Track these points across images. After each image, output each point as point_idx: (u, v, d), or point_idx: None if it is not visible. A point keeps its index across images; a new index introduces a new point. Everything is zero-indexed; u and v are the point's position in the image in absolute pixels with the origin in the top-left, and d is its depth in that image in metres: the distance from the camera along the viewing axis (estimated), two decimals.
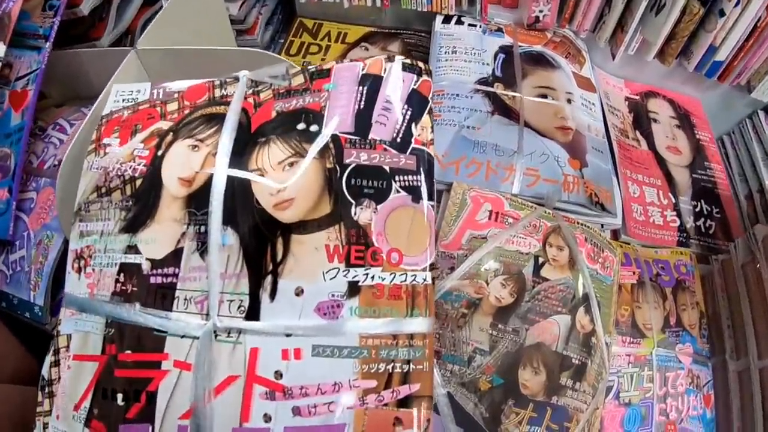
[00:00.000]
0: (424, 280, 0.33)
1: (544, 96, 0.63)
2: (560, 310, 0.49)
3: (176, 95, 0.42)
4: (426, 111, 0.37)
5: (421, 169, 0.35)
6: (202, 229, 0.35)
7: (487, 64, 0.64)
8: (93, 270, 0.38)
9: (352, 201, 0.34)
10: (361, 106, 0.37)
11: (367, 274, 0.33)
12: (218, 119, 0.38)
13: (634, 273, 0.61)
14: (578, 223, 0.55)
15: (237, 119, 0.38)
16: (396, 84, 0.37)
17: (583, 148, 0.60)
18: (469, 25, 0.68)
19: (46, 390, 0.37)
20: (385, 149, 0.36)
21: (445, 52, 0.64)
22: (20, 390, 0.45)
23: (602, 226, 0.60)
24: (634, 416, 0.55)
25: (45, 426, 0.37)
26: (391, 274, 0.33)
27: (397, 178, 0.35)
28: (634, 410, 0.55)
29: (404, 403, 0.31)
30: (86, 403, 0.35)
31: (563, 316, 0.49)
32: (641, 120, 0.76)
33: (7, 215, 0.48)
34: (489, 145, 0.56)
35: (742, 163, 0.81)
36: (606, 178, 0.60)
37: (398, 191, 0.35)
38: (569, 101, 0.63)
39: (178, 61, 0.50)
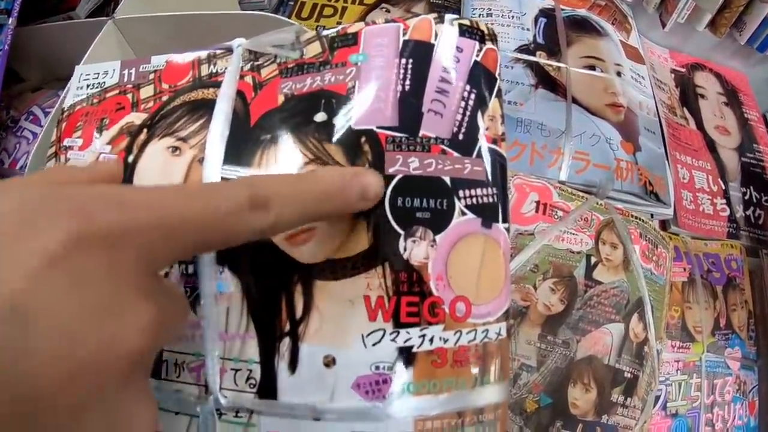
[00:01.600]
0: (498, 334, 0.24)
1: (592, 67, 0.55)
2: (614, 318, 0.44)
3: (151, 76, 0.31)
4: (494, 93, 0.26)
5: (494, 178, 0.25)
6: (190, 269, 0.26)
7: (527, 29, 0.55)
8: None
9: (401, 231, 0.24)
10: (407, 88, 0.26)
11: (423, 336, 0.23)
12: (206, 108, 0.28)
13: (684, 269, 0.55)
14: (632, 215, 0.48)
15: (231, 108, 0.28)
16: (452, 54, 0.26)
17: (636, 129, 0.53)
18: None
19: None
20: (444, 151, 0.25)
21: (480, 15, 0.55)
22: None
23: (651, 216, 0.54)
24: (681, 427, 0.50)
25: None
26: (456, 333, 0.23)
27: (461, 193, 0.25)
28: (681, 421, 0.50)
29: None
30: None
31: (617, 324, 0.44)
32: (688, 96, 0.69)
33: None
34: (534, 123, 0.49)
35: None
36: (660, 163, 0.53)
37: (464, 212, 0.24)
38: (619, 74, 0.56)
39: (165, 31, 0.41)
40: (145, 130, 0.29)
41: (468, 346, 0.24)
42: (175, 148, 0.28)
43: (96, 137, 0.30)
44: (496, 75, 0.27)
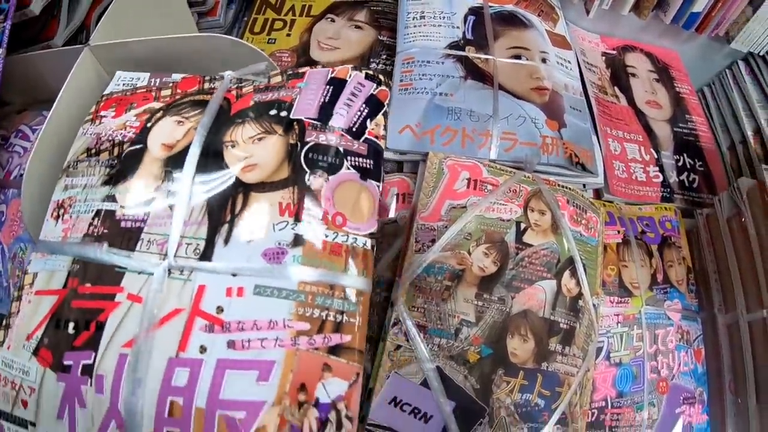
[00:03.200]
0: (365, 244, 0.39)
1: (518, 57, 0.63)
2: (545, 275, 0.51)
3: (171, 84, 0.49)
4: (381, 113, 0.46)
5: (371, 155, 0.43)
6: (174, 185, 0.41)
7: (457, 27, 0.63)
8: (70, 217, 0.43)
9: (307, 170, 0.40)
10: (326, 100, 0.45)
11: (311, 229, 0.38)
12: (204, 104, 0.45)
13: (618, 232, 0.62)
14: (559, 185, 0.56)
15: (218, 104, 0.45)
16: (357, 88, 0.46)
17: (561, 108, 0.61)
18: None
19: (3, 323, 0.41)
20: (342, 135, 0.43)
21: (413, 18, 0.63)
22: None
23: (584, 186, 0.61)
24: (626, 376, 0.57)
25: None
26: (333, 233, 0.39)
27: (349, 158, 0.42)
28: (626, 369, 0.57)
29: (334, 351, 0.36)
30: (38, 333, 0.39)
31: (549, 281, 0.51)
32: (619, 75, 0.77)
33: None
34: (463, 111, 0.56)
35: (723, 114, 0.83)
36: (586, 137, 0.61)
37: (349, 168, 0.41)
38: (544, 60, 0.64)
39: (136, 53, 0.50)
40: (161, 111, 0.46)
41: (341, 243, 0.38)
42: (180, 121, 0.45)
43: (126, 112, 0.47)
44: (384, 103, 0.47)
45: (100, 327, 0.37)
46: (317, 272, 0.37)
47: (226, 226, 0.39)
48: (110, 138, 0.45)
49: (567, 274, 0.52)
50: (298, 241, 0.37)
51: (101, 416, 0.35)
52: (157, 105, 0.47)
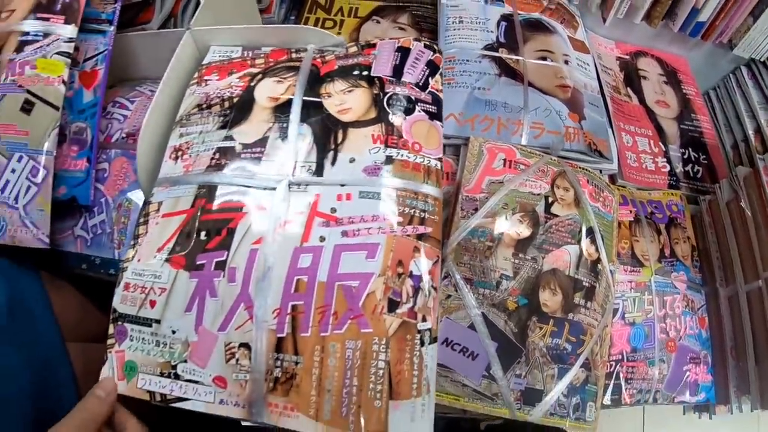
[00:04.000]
0: (436, 164, 0.50)
1: (544, 58, 0.74)
2: (569, 241, 0.61)
3: (262, 54, 0.60)
4: (438, 73, 0.57)
5: (435, 102, 0.55)
6: (284, 125, 0.52)
7: (491, 31, 0.74)
8: (190, 156, 0.52)
9: (389, 111, 0.52)
10: (397, 63, 0.56)
11: (398, 153, 0.50)
12: (296, 69, 0.57)
13: (630, 212, 0.72)
14: (580, 167, 0.66)
15: (309, 66, 0.57)
16: (419, 54, 0.57)
17: (581, 103, 0.71)
18: None
19: (131, 243, 0.50)
20: (412, 88, 0.55)
21: (453, 22, 0.74)
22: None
23: (601, 171, 0.72)
24: (639, 334, 0.67)
25: (123, 270, 0.49)
26: (413, 155, 0.50)
27: (419, 104, 0.54)
28: (639, 329, 0.67)
29: (421, 238, 0.46)
30: (169, 245, 0.48)
31: (572, 245, 0.61)
32: (631, 77, 0.88)
33: (88, 182, 0.58)
34: (498, 103, 0.67)
35: (727, 115, 0.93)
36: (602, 129, 0.71)
37: (419, 111, 0.53)
38: (566, 62, 0.75)
39: (228, 39, 0.61)
40: (260, 74, 0.57)
41: (419, 163, 0.50)
42: (279, 81, 0.56)
43: (228, 75, 0.58)
44: (440, 66, 0.57)
45: (231, 232, 0.47)
46: (404, 182, 0.48)
47: (331, 152, 0.50)
48: (219, 95, 0.56)
49: (587, 241, 0.62)
50: (388, 160, 0.49)
51: (231, 302, 0.44)
52: (254, 70, 0.58)
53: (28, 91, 0.55)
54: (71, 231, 0.60)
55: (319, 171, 0.49)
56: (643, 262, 0.70)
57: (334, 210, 0.47)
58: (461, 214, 0.59)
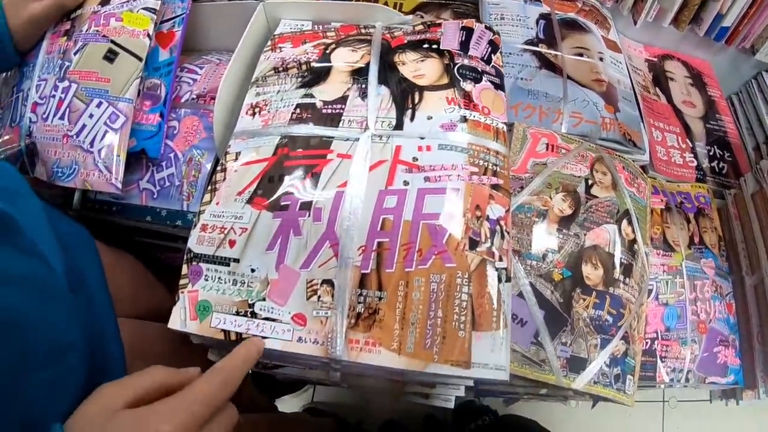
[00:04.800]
0: (503, 127, 0.56)
1: (581, 55, 0.79)
2: (608, 220, 0.65)
3: (333, 28, 0.66)
4: (498, 51, 0.63)
5: (498, 75, 0.61)
6: (363, 86, 0.57)
7: (531, 28, 0.80)
8: (268, 111, 0.57)
9: (461, 79, 0.58)
10: (463, 39, 0.62)
11: (471, 114, 0.55)
12: (367, 42, 0.62)
13: (661, 200, 0.77)
14: (617, 154, 0.71)
15: (380, 39, 0.62)
16: (482, 33, 0.64)
17: (615, 97, 0.77)
18: None
19: (209, 188, 0.53)
20: (479, 61, 0.61)
21: (495, 19, 0.80)
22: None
23: (633, 161, 0.76)
24: (672, 315, 0.72)
25: (201, 213, 0.52)
26: (483, 117, 0.56)
27: (485, 75, 0.60)
28: (672, 310, 0.72)
29: (494, 187, 0.51)
30: (251, 188, 0.52)
31: (611, 225, 0.65)
32: (659, 79, 0.93)
33: (159, 136, 0.62)
34: (540, 93, 0.72)
35: (749, 118, 0.99)
36: (635, 121, 0.77)
37: (486, 81, 0.59)
38: (601, 59, 0.80)
39: (298, 13, 0.67)
40: (333, 44, 0.63)
41: (489, 124, 0.56)
42: (353, 50, 0.61)
43: (302, 45, 0.63)
44: (499, 45, 0.64)
45: (316, 176, 0.51)
46: (478, 138, 0.53)
47: (410, 111, 0.55)
48: (295, 59, 0.61)
49: (625, 222, 0.67)
50: (463, 119, 0.54)
51: (316, 240, 0.47)
52: (327, 41, 0.64)
53: (113, 42, 0.60)
54: (137, 184, 0.64)
55: (399, 125, 0.54)
56: (674, 248, 0.75)
57: (415, 159, 0.51)
58: None
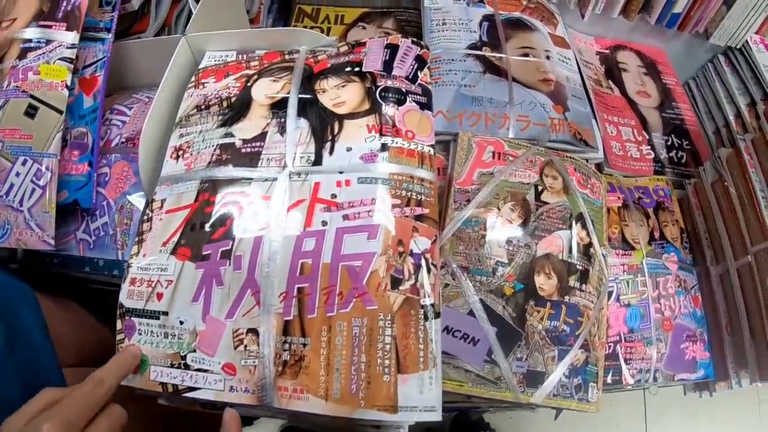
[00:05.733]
0: (429, 150, 0.55)
1: (526, 55, 0.78)
2: (561, 226, 0.64)
3: (257, 57, 0.65)
4: (426, 67, 0.61)
5: (425, 93, 0.59)
6: (282, 119, 0.56)
7: (474, 31, 0.79)
8: (191, 154, 0.56)
9: (383, 103, 0.56)
10: (387, 58, 0.61)
11: (393, 140, 0.54)
12: (289, 68, 0.61)
13: (618, 198, 0.76)
14: (567, 156, 0.70)
15: (303, 66, 0.61)
16: (407, 49, 0.62)
17: (564, 96, 0.76)
18: None
19: (136, 239, 0.53)
20: (402, 80, 0.59)
21: (437, 25, 0.78)
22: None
23: (587, 160, 0.75)
24: (635, 315, 0.71)
25: (129, 266, 0.52)
26: (407, 142, 0.54)
27: (409, 95, 0.58)
28: (634, 310, 0.71)
29: (419, 218, 0.50)
30: (175, 238, 0.51)
31: (564, 231, 0.64)
32: (612, 70, 0.92)
33: (90, 186, 0.61)
34: (485, 99, 0.71)
35: (707, 102, 0.98)
36: (586, 119, 0.75)
37: (411, 102, 0.57)
38: (548, 57, 0.79)
39: (223, 44, 0.65)
40: (256, 75, 0.61)
41: (414, 149, 0.54)
42: (275, 80, 0.60)
43: (225, 78, 0.62)
44: (427, 60, 0.62)
45: (235, 221, 0.50)
46: (400, 167, 0.52)
47: (329, 143, 0.54)
48: (217, 96, 0.60)
49: (578, 226, 0.66)
50: (384, 147, 0.53)
51: (238, 288, 0.47)
52: (250, 72, 0.63)
53: (32, 96, 0.59)
54: (74, 235, 0.63)
55: (318, 161, 0.53)
56: (633, 246, 0.74)
57: (334, 196, 0.50)
58: (454, 206, 0.63)
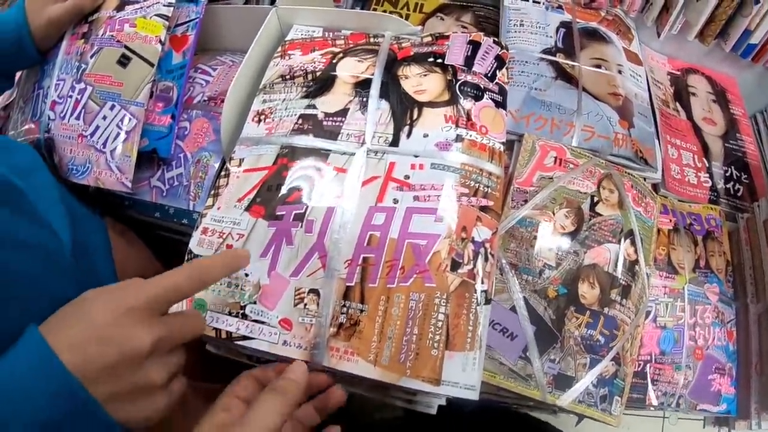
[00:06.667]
0: (500, 147, 0.57)
1: (599, 66, 0.79)
2: (611, 239, 0.66)
3: (342, 36, 0.67)
4: (505, 67, 0.63)
5: (501, 92, 0.61)
6: (365, 99, 0.59)
7: (550, 36, 0.80)
8: (273, 120, 0.59)
9: (461, 96, 0.58)
10: (469, 54, 0.62)
11: (467, 133, 0.56)
12: (374, 51, 0.64)
13: (670, 221, 0.77)
14: (626, 172, 0.71)
15: (387, 50, 0.64)
16: (488, 48, 0.64)
17: (631, 112, 0.76)
18: (534, 1, 0.84)
19: (212, 192, 0.56)
20: (482, 77, 0.61)
21: (514, 25, 0.80)
22: None
23: (645, 179, 0.76)
24: (669, 338, 0.72)
25: (203, 215, 0.55)
26: (480, 137, 0.56)
27: (487, 92, 0.60)
28: (669, 333, 0.72)
29: (483, 209, 0.52)
30: (251, 196, 0.54)
31: (613, 244, 0.66)
32: (681, 93, 0.92)
33: (170, 137, 0.65)
34: (553, 104, 0.72)
35: None
36: (649, 138, 0.76)
37: (488, 99, 0.59)
38: (620, 72, 0.80)
39: (311, 20, 0.68)
40: (341, 53, 0.64)
41: (486, 144, 0.56)
42: (360, 60, 0.63)
43: (311, 52, 0.65)
44: (506, 61, 0.64)
45: (311, 188, 0.53)
46: (472, 158, 0.54)
47: (407, 127, 0.56)
48: (302, 68, 0.62)
49: (627, 242, 0.67)
50: (458, 138, 0.55)
51: (306, 250, 0.50)
52: (336, 49, 0.65)
53: (126, 47, 0.63)
54: (148, 181, 0.67)
55: (395, 142, 0.56)
56: (678, 270, 0.75)
57: (407, 177, 0.53)
58: (511, 204, 0.64)
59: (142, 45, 0.63)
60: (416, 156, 0.54)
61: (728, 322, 0.78)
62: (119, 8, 0.64)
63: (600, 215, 0.66)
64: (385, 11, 0.87)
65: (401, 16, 0.86)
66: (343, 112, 0.58)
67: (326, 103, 0.59)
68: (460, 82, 0.59)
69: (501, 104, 0.60)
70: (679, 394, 0.72)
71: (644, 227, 0.70)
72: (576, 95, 0.74)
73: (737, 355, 0.78)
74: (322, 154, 0.55)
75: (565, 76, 0.76)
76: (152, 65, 0.63)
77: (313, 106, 0.59)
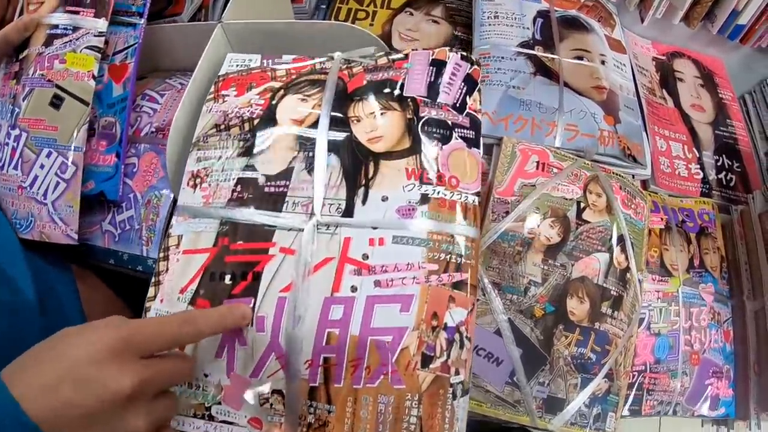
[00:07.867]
0: (474, 201, 0.49)
1: (580, 58, 0.74)
2: (600, 248, 0.62)
3: (284, 65, 0.58)
4: (476, 90, 0.54)
5: (473, 126, 0.52)
6: (311, 154, 0.50)
7: (527, 28, 0.74)
8: (209, 185, 0.51)
9: (425, 140, 0.50)
10: (432, 79, 0.53)
11: (434, 190, 0.48)
12: (321, 83, 0.54)
13: (662, 219, 0.73)
14: (613, 172, 0.67)
15: (335, 81, 0.54)
16: (456, 68, 0.54)
17: (616, 106, 0.72)
18: None
19: (153, 280, 0.50)
20: (449, 110, 0.52)
21: (488, 17, 0.74)
22: None
23: (633, 176, 0.72)
24: (663, 345, 0.68)
25: (147, 310, 0.49)
26: (450, 192, 0.48)
27: (456, 130, 0.51)
28: (663, 340, 0.68)
29: (456, 285, 0.45)
30: (192, 286, 0.48)
31: (602, 253, 0.62)
32: (667, 79, 0.88)
33: (117, 178, 0.59)
34: (533, 103, 0.68)
35: (762, 121, 0.93)
36: (637, 133, 0.72)
37: (457, 138, 0.50)
38: (603, 63, 0.75)
39: (259, 34, 0.61)
40: (282, 90, 0.55)
41: (456, 200, 0.48)
42: (303, 99, 0.53)
43: (247, 91, 0.55)
44: (478, 81, 0.54)
45: (257, 276, 0.46)
46: (440, 224, 0.46)
47: (362, 189, 0.48)
48: (238, 114, 0.54)
49: (618, 249, 0.63)
50: (424, 199, 0.47)
51: (261, 351, 0.44)
52: (276, 84, 0.56)
53: (57, 86, 0.56)
54: (99, 225, 0.61)
55: (348, 211, 0.48)
56: (671, 272, 0.71)
57: (365, 256, 0.46)
58: (492, 217, 0.60)
59: (73, 82, 0.56)
60: (375, 228, 0.47)
61: (724, 322, 0.74)
62: (47, 43, 0.57)
63: (588, 222, 0.62)
64: (350, 9, 0.81)
65: (367, 14, 0.80)
66: (287, 174, 0.50)
67: (267, 162, 0.51)
68: (423, 120, 0.51)
69: (473, 142, 0.51)
70: (676, 401, 0.69)
71: (635, 230, 0.66)
72: (557, 91, 0.69)
73: (735, 355, 0.75)
74: (266, 231, 0.48)
75: (544, 70, 0.71)
76: (87, 104, 0.56)
77: (252, 167, 0.51)
